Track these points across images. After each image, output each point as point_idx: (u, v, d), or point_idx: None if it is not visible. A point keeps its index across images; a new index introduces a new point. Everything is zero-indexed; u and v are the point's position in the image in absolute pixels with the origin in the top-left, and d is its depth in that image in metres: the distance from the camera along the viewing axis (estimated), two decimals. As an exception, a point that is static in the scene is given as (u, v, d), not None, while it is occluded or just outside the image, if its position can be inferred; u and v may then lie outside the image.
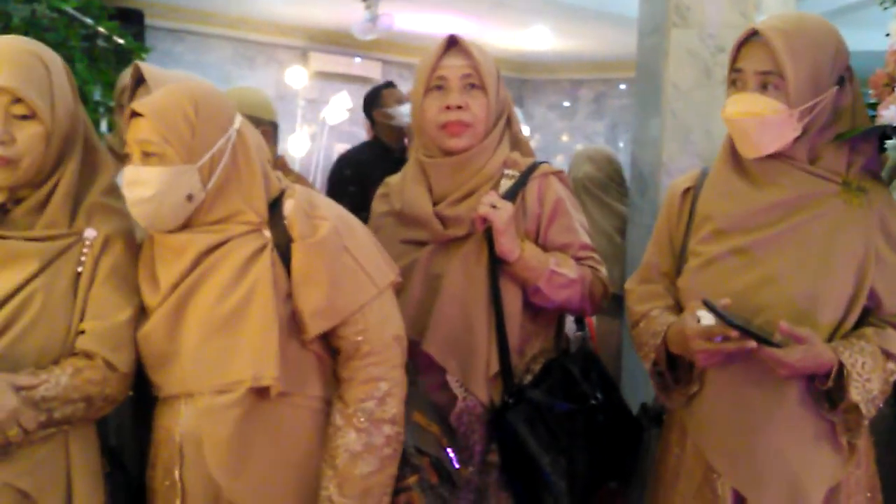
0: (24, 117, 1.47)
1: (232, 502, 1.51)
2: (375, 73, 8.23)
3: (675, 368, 1.75)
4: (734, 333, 1.52)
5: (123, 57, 3.93)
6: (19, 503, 1.43)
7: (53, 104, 1.50)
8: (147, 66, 1.57)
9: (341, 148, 7.40)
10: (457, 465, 1.75)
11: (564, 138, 9.54)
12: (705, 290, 1.64)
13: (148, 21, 6.63)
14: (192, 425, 1.51)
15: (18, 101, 1.46)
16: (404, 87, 8.87)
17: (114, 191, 1.62)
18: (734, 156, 1.71)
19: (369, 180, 3.57)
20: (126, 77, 2.01)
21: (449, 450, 1.75)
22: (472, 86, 1.88)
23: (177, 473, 1.51)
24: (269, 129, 2.65)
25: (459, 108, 1.86)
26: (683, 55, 2.65)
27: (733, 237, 1.67)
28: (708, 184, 1.75)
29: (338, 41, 7.92)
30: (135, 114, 1.50)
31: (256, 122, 2.56)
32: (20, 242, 1.49)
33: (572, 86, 9.70)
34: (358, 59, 8.18)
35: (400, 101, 3.68)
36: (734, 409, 1.65)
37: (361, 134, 6.48)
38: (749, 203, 1.66)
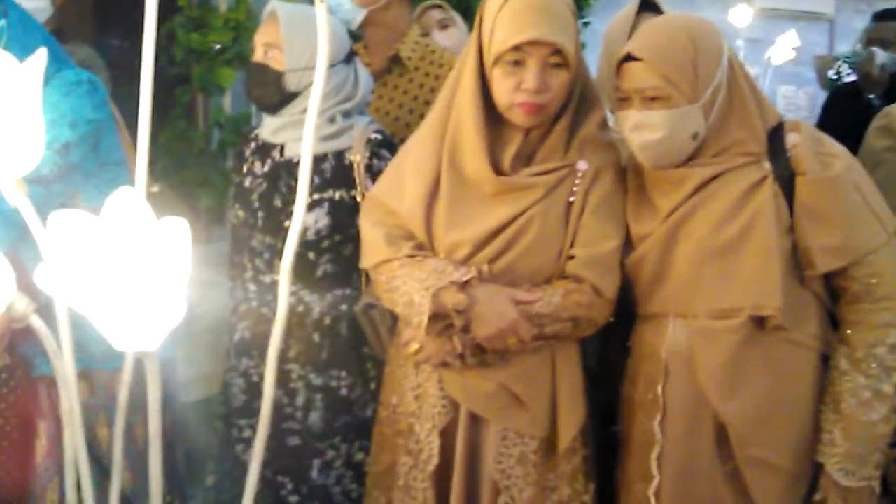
0: (558, 66, 1.55)
1: (721, 422, 1.53)
2: (828, 8, 7.49)
3: None
4: None
5: None
6: (511, 405, 1.60)
7: (577, 50, 1.58)
8: None
9: (785, 91, 6.92)
10: None
11: None
12: None
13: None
14: (681, 344, 1.55)
15: (557, 51, 1.54)
16: (861, 23, 7.90)
17: (604, 125, 1.69)
18: None
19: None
20: None
21: None
22: None
23: (659, 388, 1.57)
24: None
25: None
26: None
27: None
28: None
29: (791, -27, 7.35)
30: (629, 57, 1.54)
31: None
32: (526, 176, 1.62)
33: None
34: (810, -6, 7.53)
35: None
36: None
37: (808, 74, 5.97)
38: None
